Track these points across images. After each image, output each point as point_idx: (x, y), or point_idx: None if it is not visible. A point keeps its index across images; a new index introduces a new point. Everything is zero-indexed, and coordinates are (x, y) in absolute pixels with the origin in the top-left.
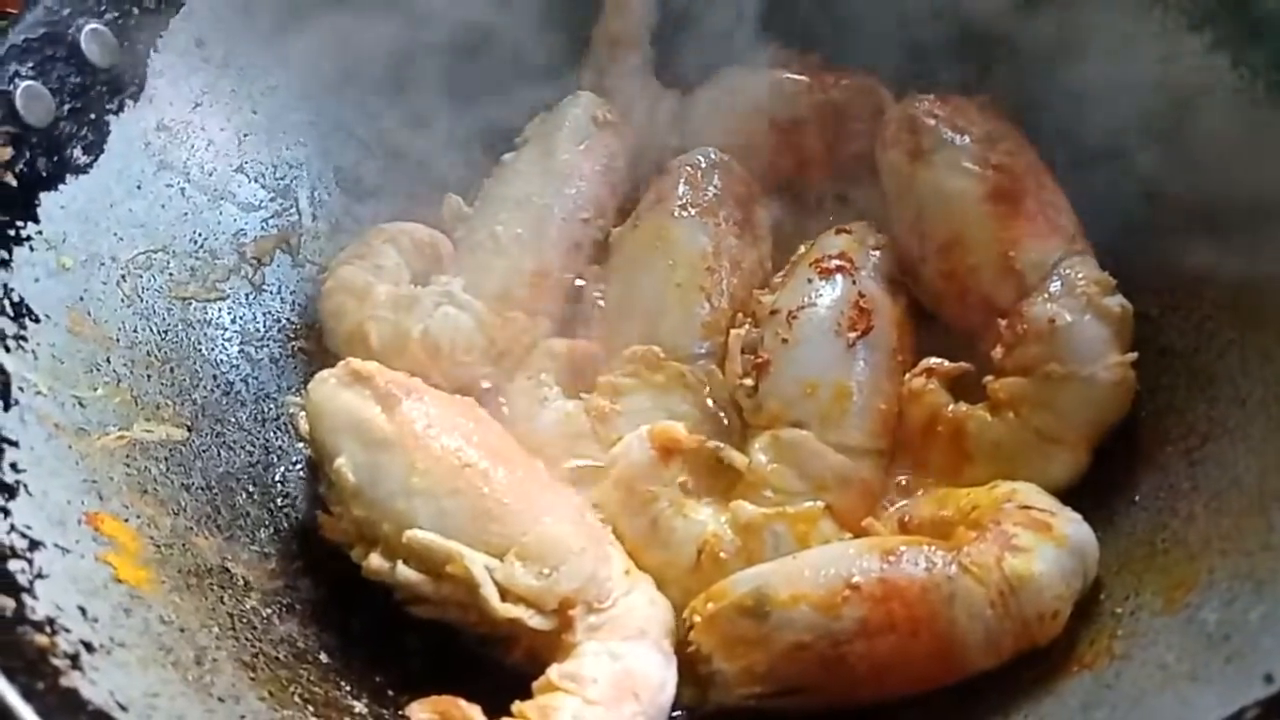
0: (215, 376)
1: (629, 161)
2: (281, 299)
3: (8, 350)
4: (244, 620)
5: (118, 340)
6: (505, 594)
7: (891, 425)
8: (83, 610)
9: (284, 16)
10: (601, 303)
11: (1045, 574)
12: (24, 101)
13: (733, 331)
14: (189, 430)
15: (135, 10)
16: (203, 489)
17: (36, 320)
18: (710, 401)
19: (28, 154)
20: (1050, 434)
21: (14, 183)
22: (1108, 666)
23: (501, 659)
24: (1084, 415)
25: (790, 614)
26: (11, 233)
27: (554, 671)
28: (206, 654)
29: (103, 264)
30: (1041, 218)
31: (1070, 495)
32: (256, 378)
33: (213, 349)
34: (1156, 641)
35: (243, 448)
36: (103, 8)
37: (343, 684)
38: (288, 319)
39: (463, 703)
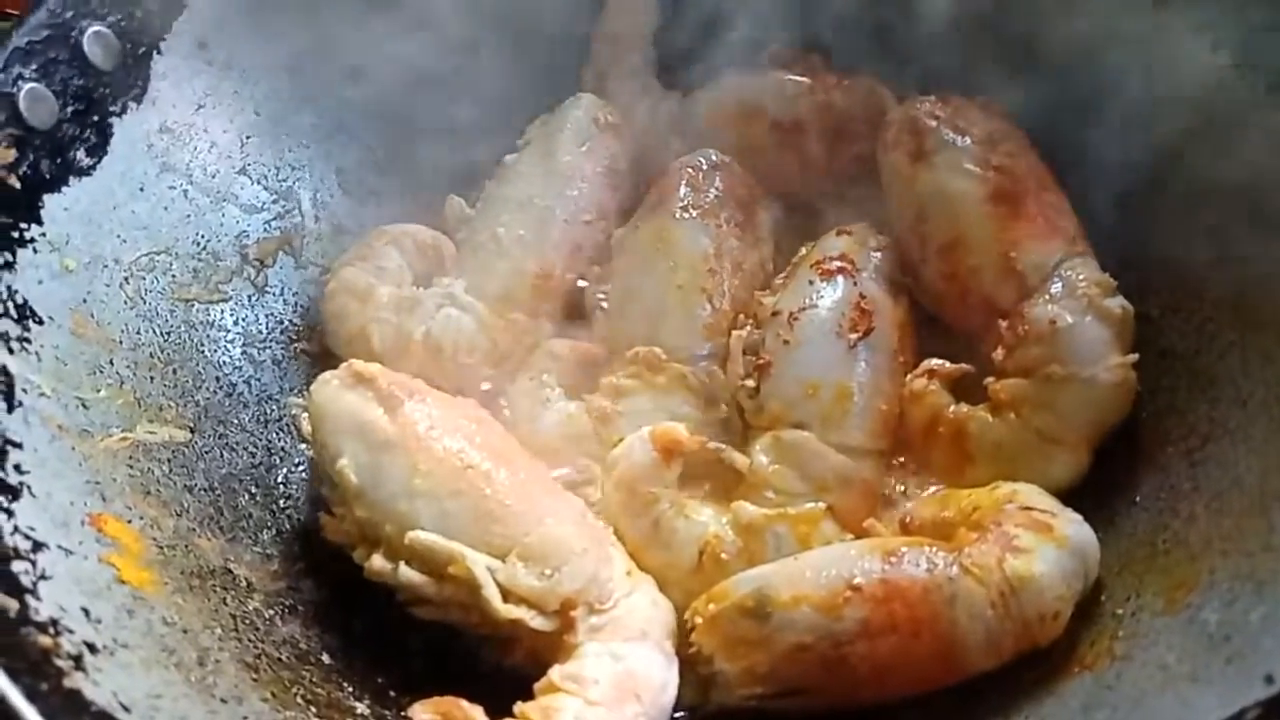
0: (218, 378)
1: (630, 163)
2: (284, 301)
3: (11, 352)
4: (246, 621)
5: (121, 342)
6: (507, 595)
7: (893, 426)
8: (86, 611)
9: (286, 18)
10: (603, 304)
11: (1046, 575)
12: (27, 104)
13: (734, 333)
14: (192, 432)
15: (138, 12)
16: (205, 490)
17: (40, 322)
18: (711, 403)
19: (31, 156)
20: (1051, 435)
21: (17, 185)
22: (1108, 667)
23: (503, 660)
24: (1085, 416)
25: (792, 615)
26: (15, 235)
27: (556, 672)
28: (209, 655)
29: (106, 266)
30: (1042, 219)
31: (1071, 496)
32: (259, 379)
33: (215, 350)
34: (1157, 642)
35: (245, 449)
36: (106, 10)
37: (345, 685)
38: (290, 321)
39: (464, 703)
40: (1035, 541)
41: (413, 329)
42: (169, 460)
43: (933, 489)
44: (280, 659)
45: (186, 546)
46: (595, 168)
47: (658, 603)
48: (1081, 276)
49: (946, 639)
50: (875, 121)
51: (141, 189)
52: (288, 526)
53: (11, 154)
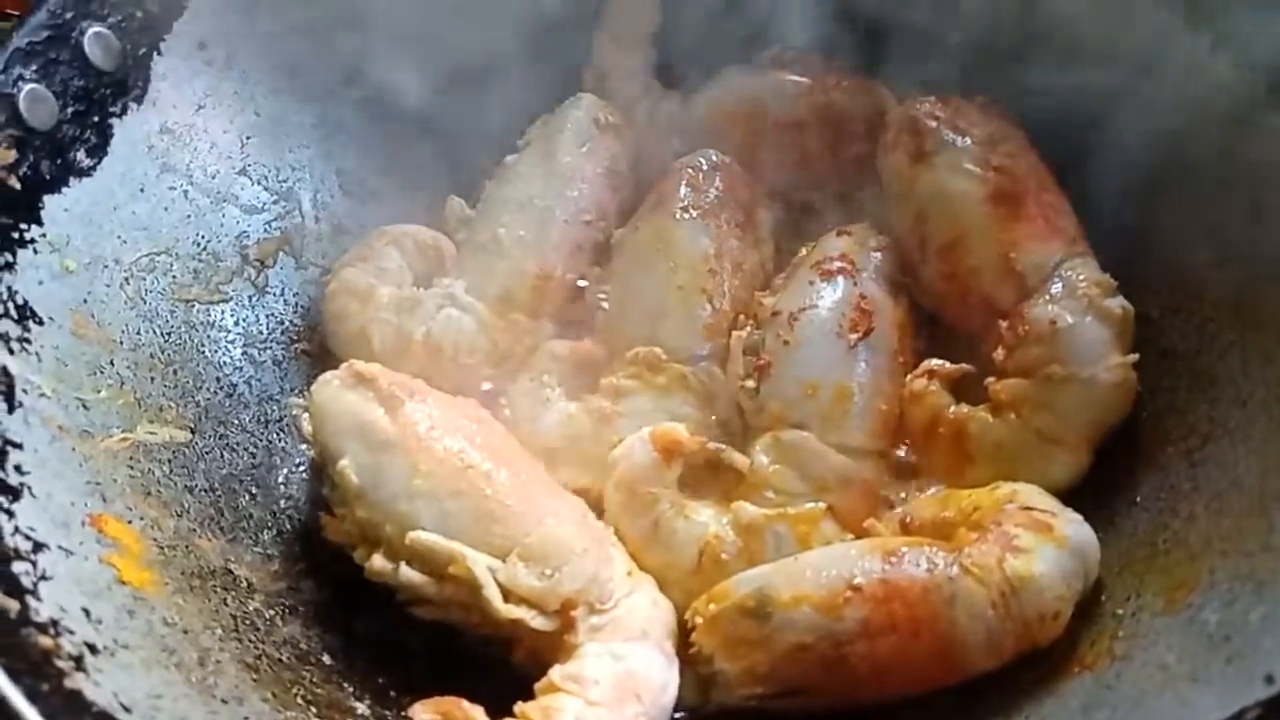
0: (218, 379)
1: (631, 163)
2: (284, 301)
3: (12, 353)
4: (247, 622)
5: (121, 342)
6: (508, 595)
7: (893, 426)
8: (86, 612)
9: (286, 19)
10: (603, 305)
11: (1046, 575)
12: (27, 104)
13: (734, 333)
14: (192, 432)
15: (138, 13)
16: (206, 491)
17: (40, 323)
18: (711, 403)
19: (31, 157)
20: (1051, 435)
21: (18, 185)
22: (1108, 667)
23: (504, 660)
24: (1085, 416)
25: (792, 615)
26: (15, 235)
27: (556, 672)
28: (210, 655)
29: (106, 266)
30: (1042, 219)
31: (1071, 496)
32: (259, 380)
33: (216, 351)
34: (1157, 642)
35: (246, 450)
36: (106, 11)
37: (346, 685)
38: (291, 321)
39: (465, 704)
40: (1035, 541)
41: (413, 329)
42: (169, 461)
43: (933, 489)
44: (281, 659)
45: (187, 547)
46: (595, 168)
47: (658, 603)
48: (1081, 276)
49: (946, 639)
50: (875, 121)
51: (142, 190)
52: (288, 527)
53: (12, 155)
